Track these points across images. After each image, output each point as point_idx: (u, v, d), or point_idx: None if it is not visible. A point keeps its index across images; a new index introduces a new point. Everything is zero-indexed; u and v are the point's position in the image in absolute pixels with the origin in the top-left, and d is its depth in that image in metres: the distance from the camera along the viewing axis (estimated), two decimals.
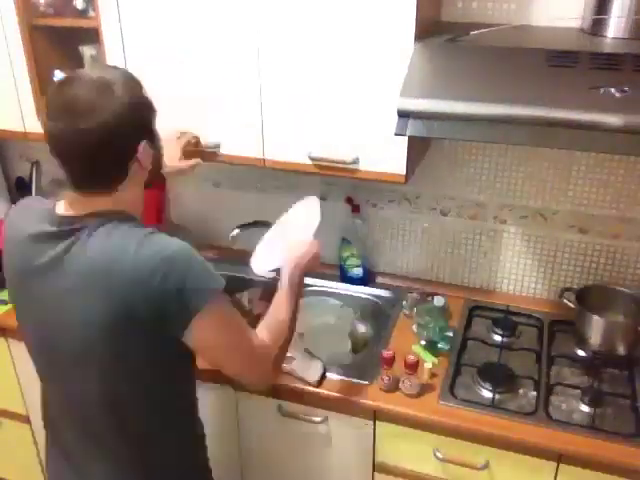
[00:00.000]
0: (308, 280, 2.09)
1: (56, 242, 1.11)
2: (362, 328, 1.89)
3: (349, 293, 2.06)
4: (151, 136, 1.17)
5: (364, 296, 2.04)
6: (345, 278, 2.08)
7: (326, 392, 1.60)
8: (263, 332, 1.26)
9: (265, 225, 2.13)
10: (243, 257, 1.73)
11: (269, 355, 1.26)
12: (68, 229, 1.11)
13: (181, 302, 1.07)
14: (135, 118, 1.11)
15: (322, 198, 2.08)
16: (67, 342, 1.12)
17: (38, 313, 1.16)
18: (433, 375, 1.62)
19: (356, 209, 2.02)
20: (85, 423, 1.20)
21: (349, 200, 2.02)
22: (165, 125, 1.78)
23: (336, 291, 2.08)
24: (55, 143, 1.10)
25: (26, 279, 1.15)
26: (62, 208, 1.16)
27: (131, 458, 1.21)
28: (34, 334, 1.21)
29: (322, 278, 2.10)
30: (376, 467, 1.67)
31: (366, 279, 2.08)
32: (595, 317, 1.68)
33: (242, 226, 1.95)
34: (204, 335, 1.12)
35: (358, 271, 2.06)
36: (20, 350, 1.97)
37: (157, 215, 2.22)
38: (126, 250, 1.06)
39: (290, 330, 1.33)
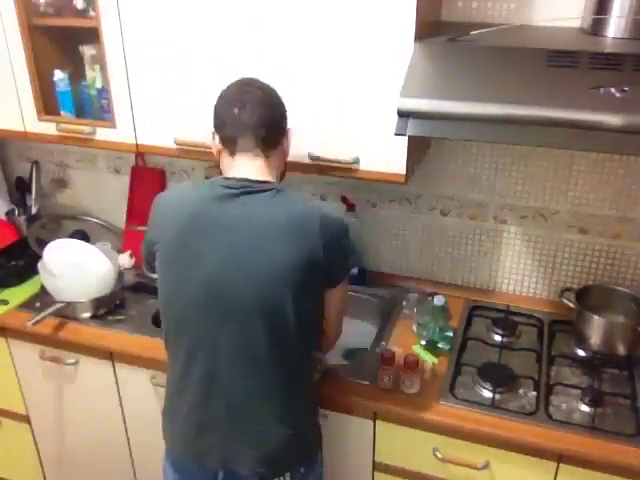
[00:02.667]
0: None
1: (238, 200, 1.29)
2: None
3: (349, 293, 2.06)
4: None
5: (364, 296, 2.04)
6: None
7: (326, 391, 1.60)
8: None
9: None
10: None
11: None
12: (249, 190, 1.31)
13: (344, 260, 1.36)
14: None
15: (322, 198, 2.09)
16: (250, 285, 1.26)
17: (216, 263, 1.27)
18: (433, 375, 1.62)
19: (351, 207, 2.02)
20: (250, 362, 1.31)
21: (344, 199, 2.02)
22: (166, 126, 1.79)
23: None
24: None
25: (206, 232, 1.29)
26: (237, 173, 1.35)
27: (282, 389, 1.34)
28: (204, 282, 1.29)
29: None
30: (376, 467, 1.67)
31: (363, 278, 2.07)
32: (595, 317, 1.68)
33: None
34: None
35: (354, 270, 2.06)
36: (20, 349, 1.98)
37: None
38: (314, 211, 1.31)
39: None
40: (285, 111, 1.39)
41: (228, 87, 1.38)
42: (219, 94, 1.37)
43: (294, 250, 1.26)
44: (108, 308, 1.95)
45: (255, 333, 1.28)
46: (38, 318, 1.82)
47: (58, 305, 1.87)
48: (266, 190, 1.30)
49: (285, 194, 1.31)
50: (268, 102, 1.36)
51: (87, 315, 1.92)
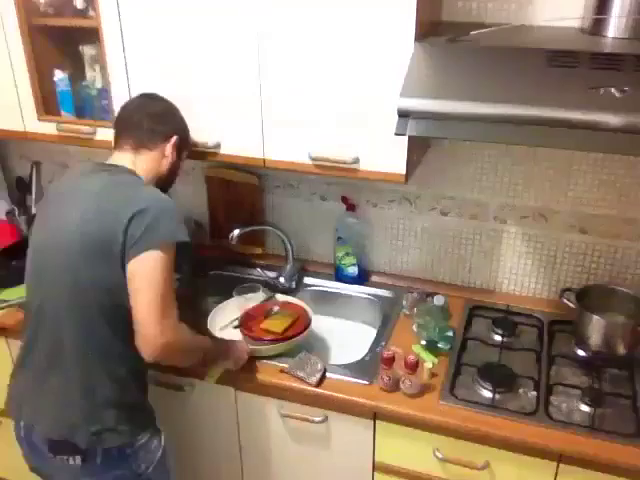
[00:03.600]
0: (309, 279, 2.11)
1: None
2: None
3: (348, 293, 2.06)
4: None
5: (364, 296, 2.04)
6: (340, 277, 2.08)
7: (326, 392, 1.60)
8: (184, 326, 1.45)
9: (263, 225, 2.14)
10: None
11: (173, 330, 1.37)
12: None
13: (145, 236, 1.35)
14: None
15: (322, 198, 2.09)
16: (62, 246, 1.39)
17: (50, 222, 1.46)
18: (433, 375, 1.62)
19: (351, 207, 2.02)
20: (55, 335, 1.42)
21: (344, 199, 2.02)
22: None
23: (335, 290, 2.08)
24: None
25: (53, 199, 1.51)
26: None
27: (84, 373, 1.41)
28: (39, 241, 1.48)
29: (320, 277, 2.11)
30: (376, 467, 1.67)
31: (362, 278, 2.07)
32: (595, 317, 1.68)
33: (242, 227, 1.96)
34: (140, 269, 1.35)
35: (353, 270, 2.06)
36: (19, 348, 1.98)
37: None
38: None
39: (195, 355, 1.52)
40: (171, 122, 1.59)
41: (132, 98, 1.64)
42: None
43: (97, 225, 1.37)
44: None
45: (63, 296, 1.40)
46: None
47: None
48: (109, 171, 1.48)
49: (121, 177, 1.48)
50: (152, 111, 1.56)
51: None
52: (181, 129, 1.62)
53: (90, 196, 1.41)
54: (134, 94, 1.75)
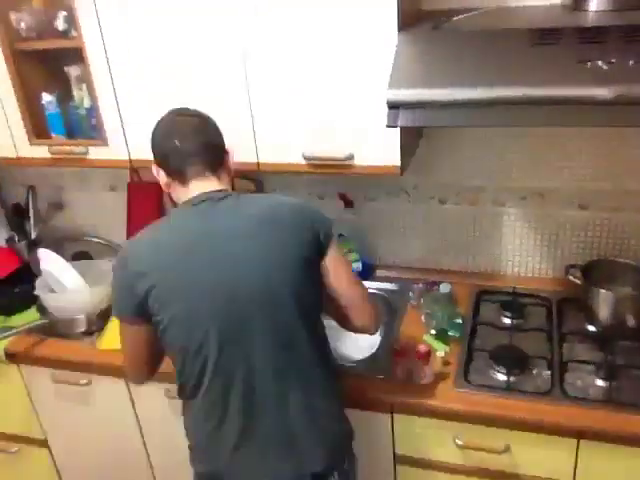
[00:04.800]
0: None
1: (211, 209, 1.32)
2: None
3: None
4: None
5: (370, 291, 2.04)
6: None
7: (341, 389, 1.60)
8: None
9: None
10: None
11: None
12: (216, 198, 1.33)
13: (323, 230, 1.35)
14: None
15: (319, 197, 2.09)
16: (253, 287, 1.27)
17: (214, 271, 1.27)
18: (446, 363, 1.62)
19: (349, 204, 2.01)
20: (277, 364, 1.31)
21: (341, 196, 2.01)
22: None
23: None
24: None
25: (203, 250, 1.28)
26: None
27: (321, 382, 1.37)
28: (212, 295, 1.27)
29: None
30: (397, 459, 1.67)
31: (367, 273, 2.07)
32: (602, 291, 1.68)
33: None
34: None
35: (357, 265, 2.06)
36: (33, 374, 1.98)
37: (154, 219, 2.23)
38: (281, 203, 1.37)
39: None
40: (220, 131, 1.42)
41: (162, 120, 1.39)
42: (154, 128, 1.38)
43: (287, 240, 1.29)
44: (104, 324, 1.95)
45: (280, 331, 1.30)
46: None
47: (40, 321, 1.95)
48: (229, 196, 1.34)
49: (244, 196, 1.37)
50: (205, 127, 1.38)
51: (81, 330, 1.95)
52: (222, 134, 1.45)
53: (254, 222, 1.30)
54: (123, 110, 1.75)
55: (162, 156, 1.37)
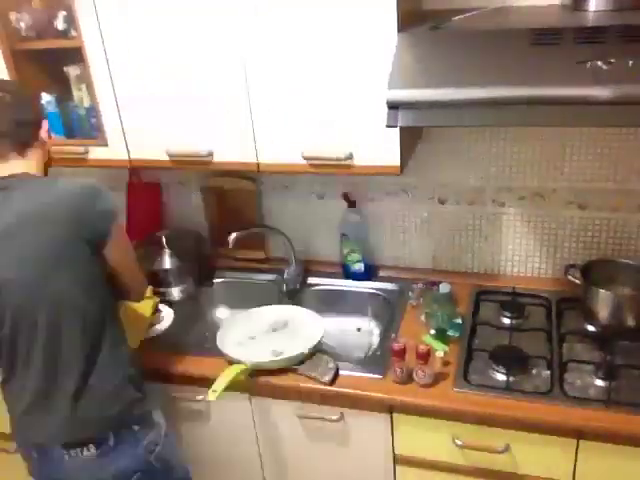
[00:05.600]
0: (314, 279, 2.10)
1: None
2: None
3: (354, 289, 2.06)
4: None
5: (370, 291, 2.04)
6: (348, 274, 2.08)
7: (340, 390, 1.60)
8: None
9: (263, 228, 2.15)
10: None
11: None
12: None
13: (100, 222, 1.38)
14: None
15: (319, 196, 2.09)
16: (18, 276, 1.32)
17: None
18: (445, 363, 1.62)
19: (352, 204, 2.02)
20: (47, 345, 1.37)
21: (345, 196, 2.02)
22: (157, 138, 1.79)
23: (341, 288, 2.08)
24: None
25: None
26: None
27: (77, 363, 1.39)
28: None
29: (325, 276, 2.11)
30: (397, 460, 1.67)
31: (369, 274, 2.07)
32: (602, 291, 1.68)
33: (239, 230, 1.95)
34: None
35: (360, 266, 2.06)
36: None
37: (153, 219, 2.23)
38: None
39: None
40: (35, 105, 1.46)
41: None
42: None
43: (52, 234, 1.32)
44: None
45: (42, 321, 1.35)
46: None
47: None
48: (6, 188, 1.34)
49: (28, 186, 1.36)
50: (16, 104, 1.39)
51: None
52: (38, 109, 1.51)
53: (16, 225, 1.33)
54: (123, 110, 1.76)
55: None
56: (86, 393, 1.40)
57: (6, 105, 1.37)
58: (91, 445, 1.41)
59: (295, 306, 1.94)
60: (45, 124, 1.46)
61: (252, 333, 1.84)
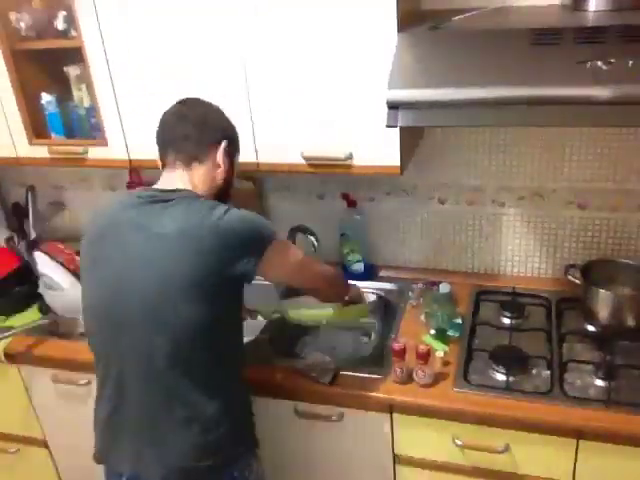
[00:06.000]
0: None
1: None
2: None
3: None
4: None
5: (369, 290, 2.04)
6: (347, 274, 2.08)
7: (340, 389, 1.60)
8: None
9: None
10: None
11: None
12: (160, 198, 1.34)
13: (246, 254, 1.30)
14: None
15: (319, 197, 2.09)
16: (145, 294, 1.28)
17: (112, 269, 1.32)
18: (445, 363, 1.62)
19: (352, 204, 2.02)
20: (150, 373, 1.32)
21: (345, 196, 2.02)
22: (152, 138, 1.78)
23: None
24: None
25: (109, 243, 1.34)
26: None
27: (197, 407, 1.33)
28: (101, 289, 1.34)
29: None
30: (397, 460, 1.67)
31: (368, 273, 2.07)
32: (602, 291, 1.68)
33: None
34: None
35: (359, 266, 2.06)
36: (33, 375, 1.98)
37: None
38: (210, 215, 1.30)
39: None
40: (218, 127, 1.42)
41: (169, 108, 1.44)
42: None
43: (185, 262, 1.25)
44: None
45: (152, 345, 1.29)
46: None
47: (40, 322, 1.95)
48: (168, 200, 1.31)
49: (187, 203, 1.31)
50: (192, 119, 1.39)
51: (81, 330, 1.92)
52: (229, 130, 1.44)
53: (163, 240, 1.28)
54: (123, 109, 1.76)
55: (156, 141, 1.43)
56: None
57: (192, 118, 1.39)
58: None
59: None
60: (223, 145, 1.40)
61: None
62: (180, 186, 1.36)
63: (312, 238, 1.96)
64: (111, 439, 1.42)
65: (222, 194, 1.43)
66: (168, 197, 1.32)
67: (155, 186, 1.39)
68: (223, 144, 1.40)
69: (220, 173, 1.41)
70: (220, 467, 1.38)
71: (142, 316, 1.28)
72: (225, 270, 1.27)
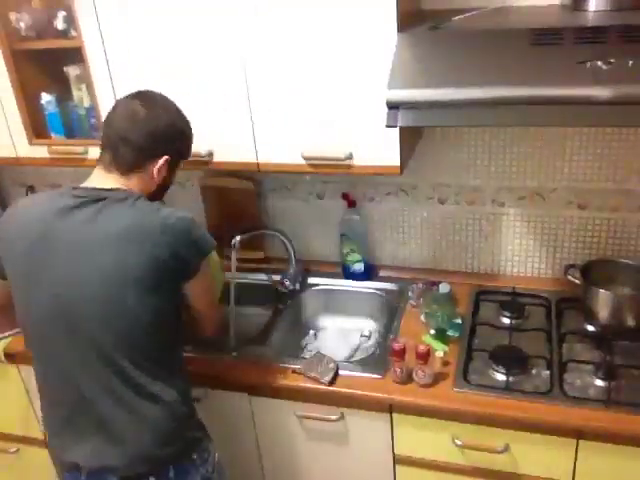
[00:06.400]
0: (313, 279, 2.10)
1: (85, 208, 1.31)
2: None
3: (354, 289, 2.06)
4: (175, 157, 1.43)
5: (370, 291, 2.04)
6: (348, 274, 2.08)
7: (340, 390, 1.60)
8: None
9: (264, 230, 2.14)
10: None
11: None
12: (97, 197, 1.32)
13: (193, 255, 1.35)
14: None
15: (319, 196, 2.09)
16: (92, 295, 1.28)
17: (57, 273, 1.29)
18: (445, 363, 1.62)
19: (352, 204, 2.02)
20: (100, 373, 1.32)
21: (345, 196, 2.02)
22: None
23: (341, 288, 2.08)
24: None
25: (50, 246, 1.30)
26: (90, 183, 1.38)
27: (156, 395, 1.35)
28: (49, 295, 1.31)
29: (325, 276, 2.11)
30: (397, 460, 1.67)
31: (368, 274, 2.07)
32: (601, 291, 1.68)
33: (243, 233, 1.95)
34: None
35: (359, 266, 2.06)
36: (32, 374, 1.98)
37: None
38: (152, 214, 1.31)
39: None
40: (164, 140, 1.38)
41: (125, 96, 1.41)
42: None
43: (138, 255, 1.27)
44: None
45: (105, 341, 1.29)
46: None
47: None
48: (107, 198, 1.31)
49: (131, 203, 1.31)
50: (143, 120, 1.35)
51: None
52: (177, 142, 1.42)
53: (109, 241, 1.28)
54: None
55: (102, 135, 1.39)
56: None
57: (130, 117, 1.35)
58: (152, 477, 1.37)
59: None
60: (161, 161, 1.37)
61: None
62: (116, 187, 1.35)
63: (287, 242, 1.99)
64: (69, 438, 1.40)
65: (155, 196, 1.43)
66: (108, 195, 1.32)
67: (90, 184, 1.36)
68: (161, 160, 1.37)
69: (153, 183, 1.40)
70: (182, 452, 1.40)
71: (95, 314, 1.29)
72: (172, 266, 1.30)
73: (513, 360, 1.61)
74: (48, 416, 1.45)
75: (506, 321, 1.81)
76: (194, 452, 1.42)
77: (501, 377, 1.58)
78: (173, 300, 1.36)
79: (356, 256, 2.05)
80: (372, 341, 1.95)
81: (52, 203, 1.33)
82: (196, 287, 1.39)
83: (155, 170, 1.38)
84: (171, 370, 1.39)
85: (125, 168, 1.36)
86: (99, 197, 1.31)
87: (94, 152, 1.83)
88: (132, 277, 1.27)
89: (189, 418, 1.44)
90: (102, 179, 1.37)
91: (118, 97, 1.74)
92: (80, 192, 1.34)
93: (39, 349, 1.40)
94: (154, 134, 1.36)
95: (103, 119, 1.42)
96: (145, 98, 1.39)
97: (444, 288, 1.78)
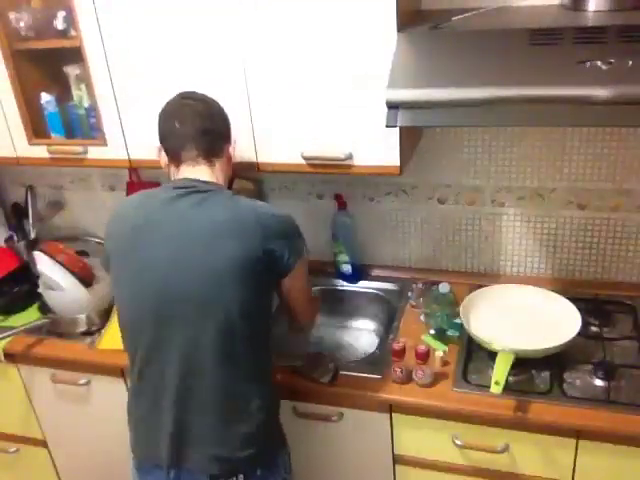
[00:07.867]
0: (313, 279, 2.10)
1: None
2: None
3: (353, 289, 2.06)
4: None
5: (369, 291, 2.04)
6: (338, 275, 2.08)
7: (340, 390, 1.60)
8: None
9: None
10: None
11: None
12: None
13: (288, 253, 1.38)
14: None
15: (318, 196, 2.09)
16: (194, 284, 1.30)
17: (164, 265, 1.32)
18: (445, 363, 1.62)
19: (342, 205, 2.01)
20: (200, 363, 1.34)
21: (337, 197, 2.01)
22: (157, 138, 1.78)
23: (340, 288, 2.08)
24: None
25: (145, 233, 1.35)
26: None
27: (243, 397, 1.37)
28: (154, 284, 1.34)
29: (326, 277, 2.11)
30: (396, 460, 1.67)
31: (357, 275, 2.06)
32: None
33: None
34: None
35: (347, 267, 2.05)
36: (32, 374, 1.98)
37: None
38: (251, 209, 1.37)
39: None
40: (227, 121, 1.47)
41: (169, 102, 1.45)
42: (161, 109, 1.45)
43: (234, 249, 1.30)
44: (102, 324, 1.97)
45: (204, 334, 1.31)
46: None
47: (40, 322, 1.96)
48: (210, 190, 1.36)
49: (226, 196, 1.38)
50: (208, 113, 1.43)
51: (81, 330, 1.96)
52: (230, 127, 1.50)
53: (207, 228, 1.32)
54: (122, 109, 1.75)
55: (162, 137, 1.44)
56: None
57: (197, 112, 1.41)
58: (240, 475, 1.38)
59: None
60: (234, 139, 1.50)
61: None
62: (207, 179, 1.40)
63: None
64: (151, 434, 1.41)
65: (230, 184, 1.50)
66: (209, 188, 1.37)
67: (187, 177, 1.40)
68: (234, 138, 1.49)
69: (230, 166, 1.48)
70: (259, 456, 1.40)
71: (192, 305, 1.31)
72: (266, 263, 1.33)
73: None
74: (137, 410, 1.47)
75: None
76: (278, 455, 1.46)
77: None
78: (265, 297, 1.39)
79: (344, 257, 2.04)
80: (372, 341, 1.95)
81: (157, 196, 1.40)
82: (290, 285, 1.44)
83: (232, 149, 1.48)
84: (262, 370, 1.41)
85: (211, 156, 1.42)
86: (202, 189, 1.36)
87: (93, 152, 1.84)
88: (227, 270, 1.29)
89: (276, 420, 1.47)
90: (193, 173, 1.41)
91: (118, 97, 1.74)
92: (182, 183, 1.39)
93: (140, 340, 1.38)
94: (218, 116, 1.45)
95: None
96: (186, 96, 1.46)
97: (444, 288, 1.78)
